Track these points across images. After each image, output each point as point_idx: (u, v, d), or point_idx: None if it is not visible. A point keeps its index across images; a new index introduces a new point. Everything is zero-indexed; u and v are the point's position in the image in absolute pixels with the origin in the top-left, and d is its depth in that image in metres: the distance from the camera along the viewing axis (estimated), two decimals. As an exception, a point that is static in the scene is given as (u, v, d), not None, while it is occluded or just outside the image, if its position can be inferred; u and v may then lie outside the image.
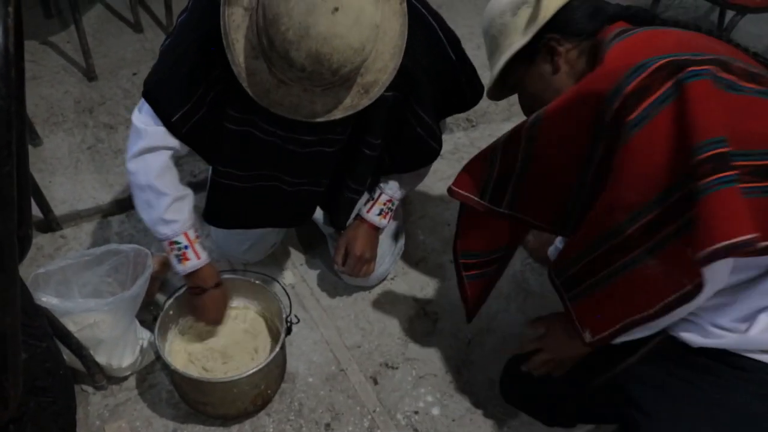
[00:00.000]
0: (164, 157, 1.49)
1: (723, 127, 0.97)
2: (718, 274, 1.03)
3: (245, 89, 1.31)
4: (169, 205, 1.49)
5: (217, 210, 1.72)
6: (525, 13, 1.25)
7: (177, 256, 1.54)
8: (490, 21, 1.32)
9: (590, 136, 1.11)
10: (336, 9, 1.13)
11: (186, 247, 1.53)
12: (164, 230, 1.52)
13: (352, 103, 1.34)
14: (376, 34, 1.24)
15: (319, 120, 1.35)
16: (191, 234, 1.55)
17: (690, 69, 0.99)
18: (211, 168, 1.67)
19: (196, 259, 1.55)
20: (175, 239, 1.52)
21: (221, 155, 1.58)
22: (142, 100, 1.46)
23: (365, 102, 1.35)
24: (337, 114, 1.35)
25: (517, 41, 1.27)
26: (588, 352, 1.33)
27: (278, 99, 1.32)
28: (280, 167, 1.61)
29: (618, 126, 1.04)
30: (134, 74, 2.75)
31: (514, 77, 1.34)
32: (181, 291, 1.65)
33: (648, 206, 1.03)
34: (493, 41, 1.34)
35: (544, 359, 1.42)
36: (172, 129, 1.46)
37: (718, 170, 0.94)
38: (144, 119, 1.46)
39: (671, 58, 1.01)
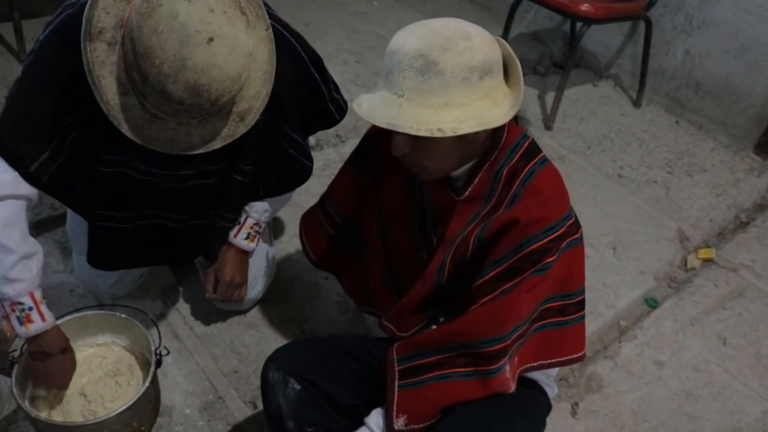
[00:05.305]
0: (14, 207, 1.38)
1: None
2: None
3: (117, 128, 1.25)
4: (16, 263, 1.37)
5: (103, 253, 1.66)
6: (488, 83, 1.12)
7: (19, 318, 1.40)
8: (455, 64, 1.09)
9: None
10: (211, 39, 1.12)
11: (30, 309, 1.40)
12: (6, 290, 1.38)
13: (229, 132, 1.32)
14: (251, 61, 1.23)
15: (198, 152, 1.31)
16: (37, 294, 1.42)
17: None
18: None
19: (41, 322, 1.42)
20: (19, 300, 1.39)
21: (96, 199, 1.52)
22: None
23: (242, 130, 1.33)
24: (216, 144, 1.32)
25: (474, 113, 1.12)
26: None
27: (153, 134, 1.27)
28: (161, 205, 1.57)
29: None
30: (-16, 105, 2.59)
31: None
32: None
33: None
34: (444, 84, 1.10)
35: None
36: (31, 179, 1.37)
37: None
38: None
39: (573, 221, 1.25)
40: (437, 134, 1.09)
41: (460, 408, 1.27)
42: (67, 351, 1.52)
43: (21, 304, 1.40)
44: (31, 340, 1.44)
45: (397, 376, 1.32)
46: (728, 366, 2.01)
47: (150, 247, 1.68)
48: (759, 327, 2.14)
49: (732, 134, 2.99)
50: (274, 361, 1.41)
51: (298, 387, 1.38)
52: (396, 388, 1.31)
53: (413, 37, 1.11)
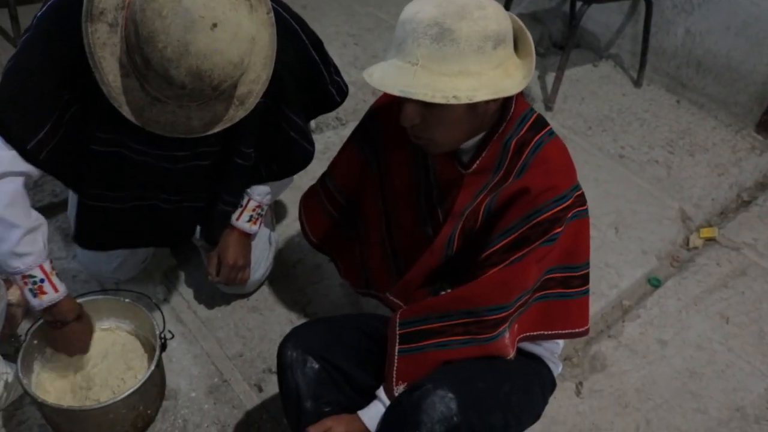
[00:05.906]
0: (14, 184, 1.37)
1: None
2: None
3: (117, 109, 1.25)
4: (22, 237, 1.37)
5: (91, 232, 1.65)
6: (500, 53, 1.12)
7: (32, 290, 1.42)
8: (471, 32, 1.08)
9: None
10: (215, 25, 1.12)
11: (42, 281, 1.42)
12: (17, 264, 1.39)
13: (229, 115, 1.32)
14: (252, 46, 1.23)
15: (196, 136, 1.32)
16: (47, 266, 1.43)
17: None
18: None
19: (54, 293, 1.44)
20: (30, 273, 1.41)
21: (91, 178, 1.51)
22: None
23: (241, 114, 1.33)
24: (215, 128, 1.32)
25: (488, 82, 1.12)
26: None
27: (153, 117, 1.28)
28: (156, 186, 1.57)
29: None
30: (-19, 91, 2.57)
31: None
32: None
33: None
34: (459, 52, 1.09)
35: None
36: (29, 157, 1.36)
37: None
38: None
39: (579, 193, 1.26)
40: (453, 101, 1.08)
41: (454, 363, 1.27)
42: (83, 316, 1.55)
43: (32, 277, 1.42)
44: (46, 311, 1.47)
45: (397, 340, 1.31)
46: (731, 344, 2.02)
47: (141, 228, 1.68)
48: (762, 305, 2.14)
49: (733, 113, 2.98)
50: (291, 339, 1.39)
51: (316, 366, 1.35)
52: (396, 353, 1.30)
53: (427, 5, 1.10)
